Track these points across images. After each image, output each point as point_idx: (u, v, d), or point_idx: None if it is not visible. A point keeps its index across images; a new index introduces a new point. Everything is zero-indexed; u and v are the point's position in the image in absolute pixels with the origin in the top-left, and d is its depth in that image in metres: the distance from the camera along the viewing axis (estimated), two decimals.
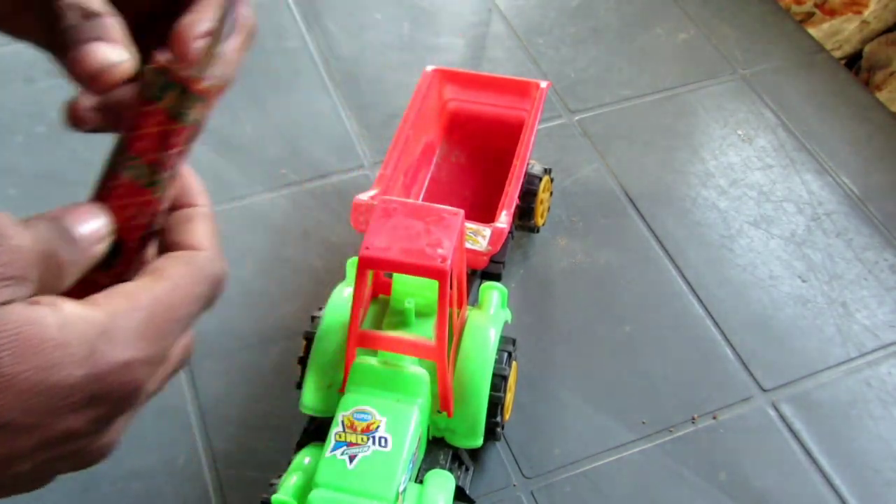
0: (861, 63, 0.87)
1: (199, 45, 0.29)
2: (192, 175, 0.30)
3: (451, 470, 0.47)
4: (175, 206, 0.30)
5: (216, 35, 0.29)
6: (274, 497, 0.42)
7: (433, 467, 0.47)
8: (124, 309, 0.24)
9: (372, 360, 0.46)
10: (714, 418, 0.55)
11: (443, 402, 0.46)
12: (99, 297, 0.24)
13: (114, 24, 0.29)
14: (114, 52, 0.29)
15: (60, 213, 0.26)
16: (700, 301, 0.61)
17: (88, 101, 0.31)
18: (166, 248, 0.29)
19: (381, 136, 0.71)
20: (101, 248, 0.27)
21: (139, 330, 0.24)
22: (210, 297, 0.28)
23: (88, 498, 0.50)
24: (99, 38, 0.29)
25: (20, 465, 0.22)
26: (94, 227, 0.27)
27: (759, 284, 0.62)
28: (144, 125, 0.28)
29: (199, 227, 0.29)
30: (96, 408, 0.23)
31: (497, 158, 0.63)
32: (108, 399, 0.23)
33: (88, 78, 0.28)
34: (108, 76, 0.29)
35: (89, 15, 0.29)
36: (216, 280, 0.28)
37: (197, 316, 0.27)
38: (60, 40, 0.29)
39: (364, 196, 0.54)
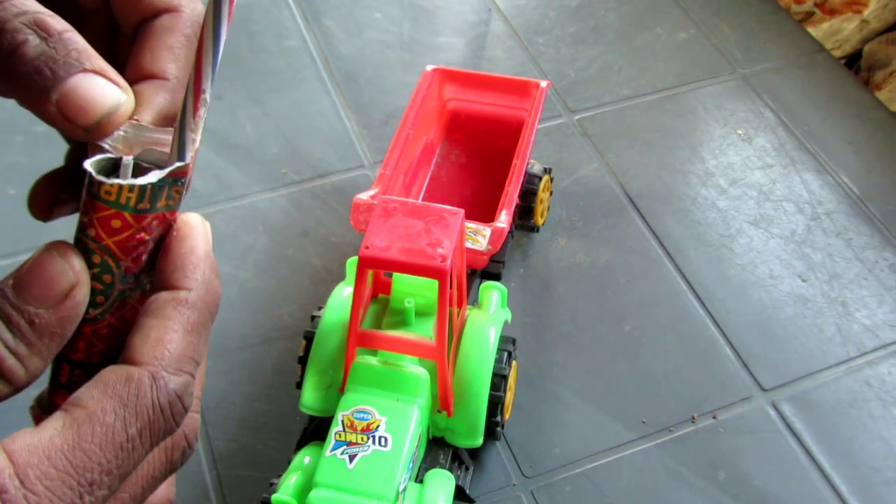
0: (861, 62, 0.87)
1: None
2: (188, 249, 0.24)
3: (451, 469, 0.47)
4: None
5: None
6: (274, 497, 0.42)
7: (433, 467, 0.47)
8: (26, 462, 0.19)
9: (372, 360, 0.46)
10: (714, 418, 0.55)
11: (443, 401, 0.46)
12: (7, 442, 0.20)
13: (86, 45, 0.23)
14: (112, 90, 0.23)
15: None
16: (700, 301, 0.61)
17: (49, 190, 0.26)
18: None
19: (381, 135, 0.71)
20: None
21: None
22: (157, 434, 0.21)
23: None
24: (84, 69, 0.23)
25: None
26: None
27: (758, 284, 0.62)
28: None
29: (156, 326, 0.22)
30: None
31: (497, 158, 0.63)
32: None
33: (83, 129, 0.23)
34: (109, 125, 0.23)
35: (51, 33, 0.22)
36: (161, 411, 0.21)
37: (140, 461, 0.21)
38: (10, 68, 0.22)
39: (364, 195, 0.54)
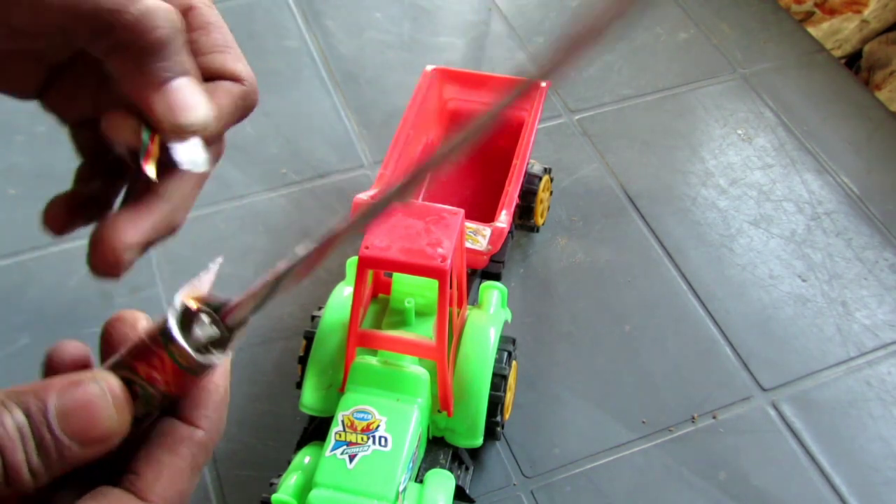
0: (861, 62, 0.87)
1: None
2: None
3: (451, 469, 0.47)
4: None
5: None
6: (274, 497, 0.42)
7: (433, 467, 0.47)
8: None
9: (372, 360, 0.46)
10: (714, 418, 0.55)
11: (443, 401, 0.46)
12: None
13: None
14: (205, 106, 0.24)
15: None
16: (700, 301, 0.61)
17: (61, 208, 0.27)
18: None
19: (381, 135, 0.71)
20: None
21: None
22: None
23: None
24: (187, 73, 0.24)
25: None
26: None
27: (758, 284, 0.62)
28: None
29: (169, 464, 0.23)
30: None
31: (497, 158, 0.63)
32: None
33: (172, 123, 0.24)
34: (191, 134, 0.24)
35: (201, 28, 0.25)
36: None
37: None
38: (129, 53, 0.23)
39: (364, 195, 0.54)
